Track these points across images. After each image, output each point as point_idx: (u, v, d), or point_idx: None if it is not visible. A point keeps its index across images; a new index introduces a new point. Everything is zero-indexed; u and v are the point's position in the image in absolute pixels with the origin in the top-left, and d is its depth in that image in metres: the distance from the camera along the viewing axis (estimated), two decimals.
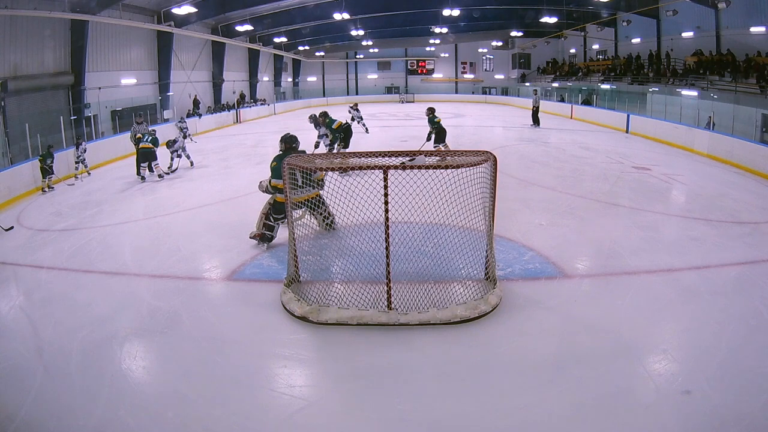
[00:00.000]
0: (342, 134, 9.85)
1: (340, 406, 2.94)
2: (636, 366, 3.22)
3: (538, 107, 16.73)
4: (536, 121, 16.60)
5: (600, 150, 11.94)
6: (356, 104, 16.70)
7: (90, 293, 4.53)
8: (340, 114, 14.06)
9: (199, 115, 18.76)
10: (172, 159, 10.39)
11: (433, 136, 10.25)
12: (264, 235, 5.40)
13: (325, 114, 9.96)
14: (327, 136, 9.96)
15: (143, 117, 11.29)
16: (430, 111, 10.37)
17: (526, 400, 2.91)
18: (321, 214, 5.28)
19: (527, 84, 29.42)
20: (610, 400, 2.89)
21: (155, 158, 9.81)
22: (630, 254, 5.09)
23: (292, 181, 4.77)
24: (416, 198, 3.99)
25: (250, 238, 5.48)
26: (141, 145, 9.74)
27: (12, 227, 6.79)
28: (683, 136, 12.39)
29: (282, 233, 5.45)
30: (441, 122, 10.33)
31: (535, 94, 16.62)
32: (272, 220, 5.42)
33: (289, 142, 5.54)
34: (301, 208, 5.17)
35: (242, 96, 24.82)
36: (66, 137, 11.39)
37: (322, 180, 5.24)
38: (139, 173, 9.80)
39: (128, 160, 12.55)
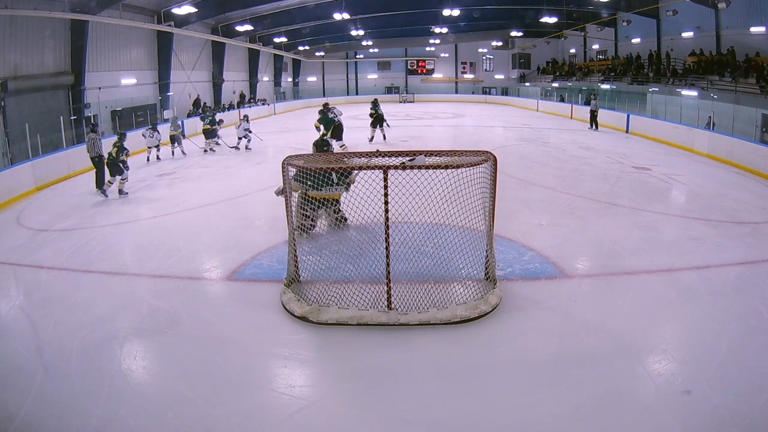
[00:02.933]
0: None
1: (340, 406, 2.94)
2: (636, 366, 3.22)
3: (596, 112, 16.33)
4: (595, 124, 16.26)
5: (600, 150, 11.94)
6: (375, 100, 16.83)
7: (90, 293, 4.53)
8: (355, 111, 14.04)
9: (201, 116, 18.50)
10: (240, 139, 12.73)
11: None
12: (303, 226, 5.31)
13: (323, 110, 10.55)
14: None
15: (95, 127, 9.56)
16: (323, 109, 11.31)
17: (526, 400, 2.91)
18: (336, 212, 5.39)
19: (527, 84, 29.44)
20: (610, 400, 2.89)
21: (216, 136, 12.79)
22: (630, 254, 5.09)
23: (323, 179, 5.11)
24: (416, 198, 3.98)
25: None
26: (204, 126, 12.56)
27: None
28: (683, 136, 12.39)
29: (283, 235, 5.44)
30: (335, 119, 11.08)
31: (595, 99, 16.51)
32: (308, 209, 5.36)
33: (320, 147, 5.72)
34: (322, 207, 5.34)
35: (242, 96, 24.81)
36: (66, 137, 11.39)
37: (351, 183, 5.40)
38: (99, 188, 8.63)
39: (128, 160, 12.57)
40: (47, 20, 12.06)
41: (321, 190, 5.23)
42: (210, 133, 12.66)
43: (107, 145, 8.73)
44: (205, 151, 12.67)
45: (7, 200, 8.39)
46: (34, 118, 11.25)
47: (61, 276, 5.03)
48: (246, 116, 13.78)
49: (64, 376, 3.23)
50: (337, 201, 5.44)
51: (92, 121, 10.92)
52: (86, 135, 9.16)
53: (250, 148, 12.77)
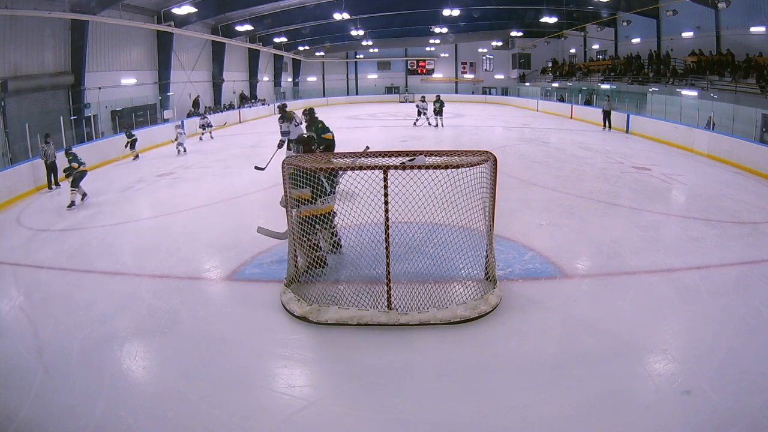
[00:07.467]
0: (322, 148, 7.36)
1: (340, 406, 2.94)
2: (636, 366, 3.22)
3: (610, 112, 16.30)
4: (609, 124, 16.21)
5: (600, 150, 11.94)
6: (423, 97, 16.78)
7: (90, 293, 4.53)
8: (355, 111, 14.05)
9: (202, 115, 17.33)
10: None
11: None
12: (316, 259, 4.53)
13: (311, 111, 7.83)
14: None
15: (47, 137, 9.42)
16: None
17: (526, 400, 2.91)
18: (334, 236, 4.84)
19: (527, 84, 29.43)
20: (610, 400, 2.89)
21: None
22: (630, 254, 5.09)
23: (317, 187, 4.38)
24: (416, 198, 3.98)
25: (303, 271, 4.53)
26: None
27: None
28: (683, 136, 12.39)
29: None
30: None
31: (608, 100, 16.58)
32: (311, 235, 4.54)
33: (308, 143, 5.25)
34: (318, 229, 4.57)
35: (242, 96, 24.80)
36: (66, 137, 11.39)
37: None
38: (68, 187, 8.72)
39: (127, 160, 12.60)
40: (47, 20, 12.06)
41: (316, 203, 4.44)
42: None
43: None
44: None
45: (7, 200, 8.39)
46: (34, 118, 11.25)
47: (61, 276, 5.03)
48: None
49: (64, 376, 3.23)
50: (333, 216, 4.65)
51: (46, 132, 9.95)
52: (42, 146, 9.30)
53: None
